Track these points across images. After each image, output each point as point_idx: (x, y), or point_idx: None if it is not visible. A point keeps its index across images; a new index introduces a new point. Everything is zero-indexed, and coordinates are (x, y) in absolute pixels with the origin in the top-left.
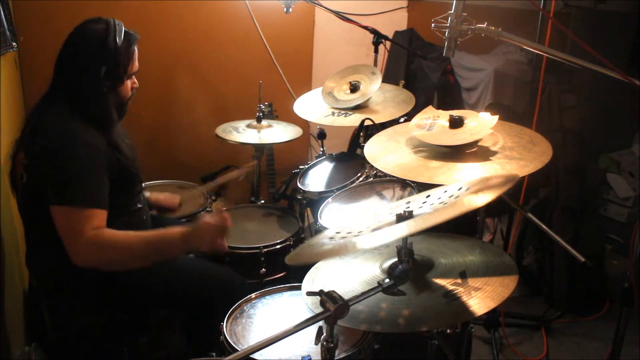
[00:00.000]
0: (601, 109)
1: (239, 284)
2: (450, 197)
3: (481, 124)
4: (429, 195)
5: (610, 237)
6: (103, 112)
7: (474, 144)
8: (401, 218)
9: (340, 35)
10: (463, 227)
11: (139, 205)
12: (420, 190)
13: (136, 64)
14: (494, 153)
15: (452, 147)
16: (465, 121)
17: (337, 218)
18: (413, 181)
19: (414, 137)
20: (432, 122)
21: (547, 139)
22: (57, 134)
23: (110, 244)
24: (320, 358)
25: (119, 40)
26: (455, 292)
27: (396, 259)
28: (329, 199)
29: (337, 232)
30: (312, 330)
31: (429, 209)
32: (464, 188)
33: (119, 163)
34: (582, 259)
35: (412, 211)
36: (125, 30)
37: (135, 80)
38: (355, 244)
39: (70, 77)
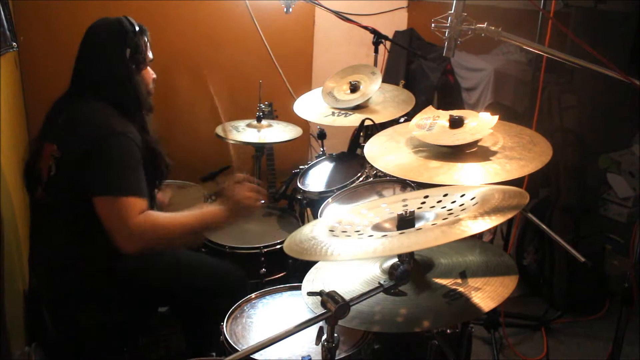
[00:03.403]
0: (601, 109)
1: (240, 278)
2: (452, 203)
3: (481, 124)
4: (427, 196)
5: (610, 237)
6: (134, 94)
7: (474, 144)
8: (403, 221)
9: (340, 35)
10: None
11: (154, 208)
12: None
13: (150, 53)
14: (494, 153)
15: (452, 147)
16: (465, 121)
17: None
18: (413, 181)
19: (414, 137)
20: (432, 122)
21: (547, 139)
22: (99, 127)
23: (160, 226)
24: (320, 358)
25: (135, 25)
26: (455, 292)
27: (397, 260)
28: (329, 199)
29: (338, 224)
30: (312, 330)
31: (432, 215)
32: (468, 197)
33: (148, 146)
34: (582, 259)
35: (413, 212)
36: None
37: (153, 72)
38: (339, 254)
39: (98, 65)
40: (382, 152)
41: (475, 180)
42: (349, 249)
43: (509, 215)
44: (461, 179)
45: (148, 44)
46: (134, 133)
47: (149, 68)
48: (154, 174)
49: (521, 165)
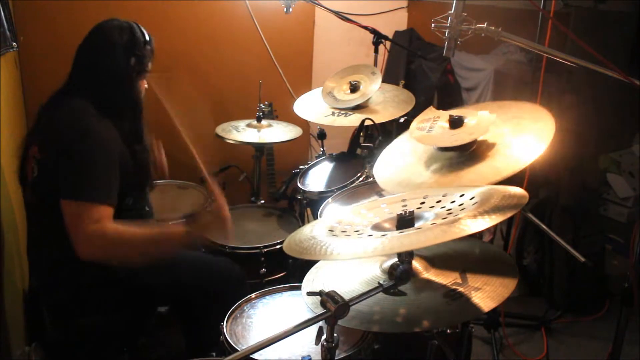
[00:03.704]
0: (601, 109)
1: (238, 274)
2: (452, 203)
3: (481, 122)
4: (426, 196)
5: (610, 237)
6: (131, 100)
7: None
8: (403, 220)
9: (340, 35)
10: None
11: (147, 209)
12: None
13: (150, 64)
14: (498, 145)
15: (455, 147)
16: (465, 120)
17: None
18: None
19: (420, 149)
20: (432, 124)
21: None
22: (72, 129)
23: (112, 238)
24: (320, 358)
25: (146, 35)
26: (455, 292)
27: (397, 260)
28: (329, 199)
29: (338, 224)
30: (312, 330)
31: (432, 214)
32: (467, 196)
33: (136, 154)
34: (582, 259)
35: (412, 211)
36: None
37: (146, 82)
38: (339, 254)
39: (98, 67)
40: (392, 175)
41: (488, 178)
42: (348, 248)
43: (509, 214)
44: (475, 180)
45: (152, 55)
46: (113, 135)
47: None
48: (137, 183)
49: (529, 151)
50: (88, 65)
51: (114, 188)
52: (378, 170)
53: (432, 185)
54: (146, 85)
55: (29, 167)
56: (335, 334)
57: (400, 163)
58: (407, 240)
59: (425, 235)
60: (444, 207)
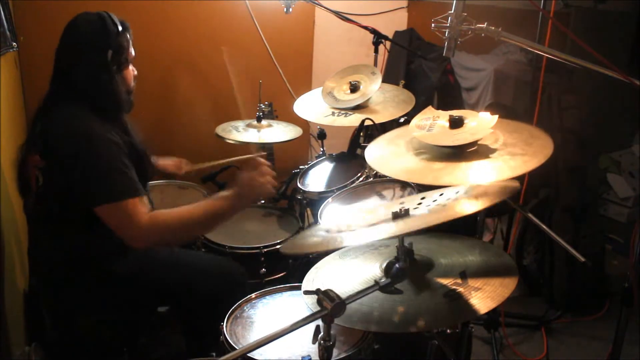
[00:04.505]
0: (601, 109)
1: (238, 274)
2: (447, 199)
3: (481, 124)
4: (424, 197)
5: (610, 237)
6: (114, 97)
7: (474, 142)
8: (397, 216)
9: (340, 35)
10: (462, 227)
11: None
12: (420, 191)
13: (132, 50)
14: (496, 150)
15: (453, 147)
16: (465, 121)
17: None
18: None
19: (414, 140)
20: (432, 123)
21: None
22: (75, 136)
23: (166, 222)
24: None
25: (118, 24)
26: (455, 292)
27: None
28: (329, 199)
29: (334, 226)
30: (313, 329)
31: (426, 210)
32: (461, 191)
33: (132, 148)
34: (582, 259)
35: (408, 209)
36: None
37: (134, 68)
38: (342, 240)
39: (77, 68)
40: (384, 157)
41: (481, 178)
42: (359, 236)
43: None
44: (467, 178)
45: (130, 41)
46: (115, 135)
47: (130, 66)
48: (140, 175)
49: (525, 161)
50: (66, 67)
51: (136, 178)
52: (370, 154)
53: (422, 171)
54: (135, 72)
55: (32, 176)
56: (332, 333)
57: (391, 149)
58: (404, 225)
59: (421, 218)
60: (438, 201)
